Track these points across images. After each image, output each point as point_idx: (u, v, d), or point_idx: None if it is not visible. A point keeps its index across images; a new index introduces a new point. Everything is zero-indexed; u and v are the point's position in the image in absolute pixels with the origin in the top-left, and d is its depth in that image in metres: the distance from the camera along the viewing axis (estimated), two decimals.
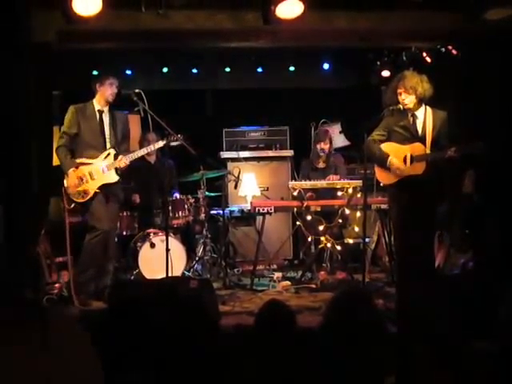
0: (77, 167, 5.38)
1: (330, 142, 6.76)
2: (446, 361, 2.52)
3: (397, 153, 5.01)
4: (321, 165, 6.80)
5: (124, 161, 5.45)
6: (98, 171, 5.42)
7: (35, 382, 1.10)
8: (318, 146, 6.71)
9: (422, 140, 4.95)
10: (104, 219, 5.44)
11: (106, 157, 5.46)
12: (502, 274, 4.69)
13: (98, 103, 5.51)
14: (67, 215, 5.43)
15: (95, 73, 7.08)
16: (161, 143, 5.55)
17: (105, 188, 5.45)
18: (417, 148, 4.95)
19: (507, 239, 5.27)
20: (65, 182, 5.37)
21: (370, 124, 5.15)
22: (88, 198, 5.37)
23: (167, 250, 5.26)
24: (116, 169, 5.47)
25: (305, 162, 6.96)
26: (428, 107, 5.01)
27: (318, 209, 6.27)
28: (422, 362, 2.53)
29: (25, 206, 5.11)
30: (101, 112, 5.52)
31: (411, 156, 4.96)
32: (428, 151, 4.93)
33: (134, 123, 7.00)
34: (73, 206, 5.37)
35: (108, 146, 5.51)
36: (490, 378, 2.46)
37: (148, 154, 6.33)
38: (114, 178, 5.50)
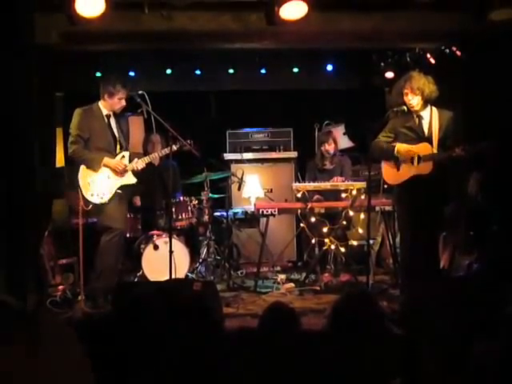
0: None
1: (335, 143, 6.71)
2: (450, 364, 2.50)
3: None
4: (328, 166, 6.75)
5: (141, 163, 5.56)
6: (116, 173, 5.45)
7: None
8: (323, 148, 6.68)
9: (429, 140, 4.94)
10: (120, 220, 5.49)
11: (120, 159, 5.49)
12: (506, 277, 4.66)
13: (104, 108, 5.51)
14: (81, 216, 5.42)
15: (98, 74, 7.07)
16: (174, 147, 5.56)
17: (120, 189, 5.49)
18: (424, 148, 4.95)
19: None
20: (80, 182, 5.35)
21: (375, 126, 5.14)
22: (107, 198, 5.39)
23: (170, 251, 5.26)
24: (132, 171, 5.54)
25: (311, 164, 6.91)
26: (434, 108, 5.00)
27: (322, 210, 6.23)
28: (427, 365, 2.51)
29: (26, 208, 5.09)
30: (108, 116, 5.54)
31: (418, 156, 4.94)
32: (435, 151, 4.91)
33: (137, 125, 7.00)
34: (90, 207, 5.37)
35: (118, 148, 5.54)
36: (495, 381, 2.44)
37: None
38: (132, 179, 5.58)
